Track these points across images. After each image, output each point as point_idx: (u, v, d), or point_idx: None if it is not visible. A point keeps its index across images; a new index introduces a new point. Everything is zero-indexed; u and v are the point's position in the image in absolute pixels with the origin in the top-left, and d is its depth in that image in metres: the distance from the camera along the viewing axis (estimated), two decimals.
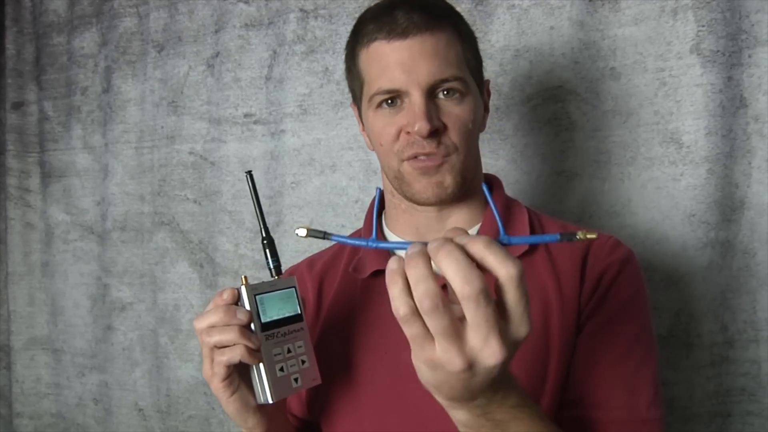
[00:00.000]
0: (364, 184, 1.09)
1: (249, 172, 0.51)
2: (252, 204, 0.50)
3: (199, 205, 1.21)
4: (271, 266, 0.50)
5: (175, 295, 1.24)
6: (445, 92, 0.49)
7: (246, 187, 1.15)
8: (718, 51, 0.70)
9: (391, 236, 0.56)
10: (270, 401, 0.47)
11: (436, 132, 0.50)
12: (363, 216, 0.97)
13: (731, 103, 0.70)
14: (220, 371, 0.46)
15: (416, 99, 0.47)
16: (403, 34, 0.47)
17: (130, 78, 1.26)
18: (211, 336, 0.45)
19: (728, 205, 0.70)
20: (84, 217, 1.35)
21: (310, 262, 0.64)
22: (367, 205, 1.09)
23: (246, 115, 1.16)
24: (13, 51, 1.30)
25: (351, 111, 1.10)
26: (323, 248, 0.66)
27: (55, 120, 1.35)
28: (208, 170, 1.20)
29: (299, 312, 0.49)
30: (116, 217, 1.30)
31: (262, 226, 0.51)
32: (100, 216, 1.32)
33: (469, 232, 0.48)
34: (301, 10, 1.06)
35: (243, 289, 0.48)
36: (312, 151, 1.12)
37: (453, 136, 0.50)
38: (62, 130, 1.35)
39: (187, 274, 1.22)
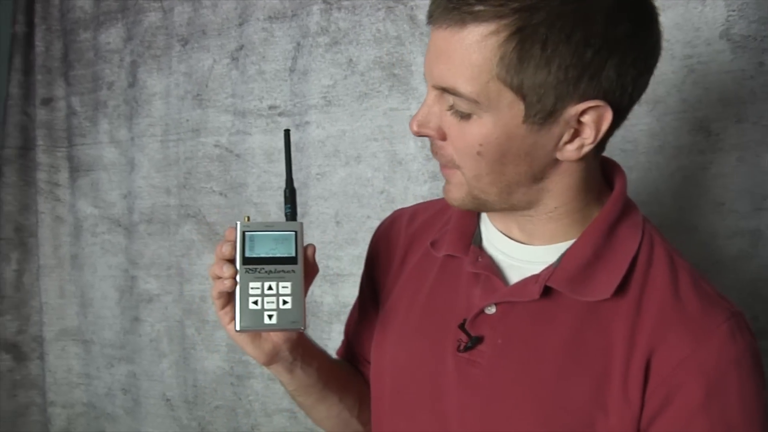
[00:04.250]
0: (390, 175, 1.16)
1: (287, 131, 0.57)
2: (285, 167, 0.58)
3: (224, 198, 1.32)
4: (287, 212, 0.57)
5: (201, 287, 1.36)
6: (451, 105, 0.46)
7: (272, 180, 1.25)
8: (749, 36, 0.71)
9: (485, 221, 0.56)
10: (237, 329, 0.53)
11: (431, 138, 0.49)
12: (389, 208, 1.06)
13: (762, 90, 0.72)
14: (216, 301, 0.55)
15: (428, 93, 0.47)
16: (435, 20, 0.44)
17: (155, 72, 1.36)
18: (209, 268, 0.56)
19: (758, 194, 0.72)
20: (111, 210, 1.46)
21: (414, 213, 0.65)
22: (393, 196, 1.18)
23: (271, 107, 1.25)
24: (42, 48, 1.39)
25: (375, 102, 1.15)
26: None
27: (83, 115, 1.47)
28: (234, 162, 1.30)
29: (293, 255, 0.54)
30: (143, 210, 1.41)
31: (288, 177, 0.57)
32: (127, 209, 1.44)
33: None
34: (325, 1, 1.12)
35: (238, 225, 0.55)
36: (337, 143, 1.20)
37: (451, 151, 0.48)
38: (89, 125, 1.46)
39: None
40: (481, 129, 0.46)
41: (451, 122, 0.47)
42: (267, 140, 1.25)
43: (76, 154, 1.46)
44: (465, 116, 0.46)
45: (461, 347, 0.52)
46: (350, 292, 1.16)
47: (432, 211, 0.64)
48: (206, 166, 1.31)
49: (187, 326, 1.35)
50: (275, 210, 1.27)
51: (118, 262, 1.45)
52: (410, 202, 0.66)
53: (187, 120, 1.34)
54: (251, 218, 0.57)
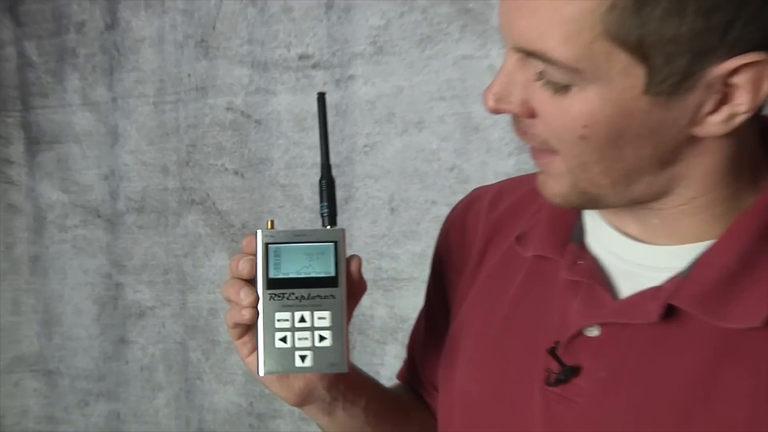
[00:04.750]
0: (462, 146, 1.31)
1: (322, 94, 0.64)
2: (319, 136, 0.63)
3: (241, 178, 1.53)
4: (324, 213, 0.63)
5: (210, 297, 1.58)
6: (540, 73, 0.50)
7: (304, 155, 1.44)
8: None
9: (591, 211, 0.62)
10: (260, 374, 0.61)
11: (516, 114, 0.54)
12: (462, 190, 1.25)
13: None
14: (231, 330, 0.63)
15: (506, 56, 0.52)
16: None
17: (143, 10, 1.54)
18: (222, 287, 0.63)
19: None
20: (87, 195, 1.67)
21: (499, 193, 0.73)
22: (466, 174, 1.35)
23: (301, 57, 1.41)
24: None
25: (442, 48, 1.33)
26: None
27: (42, 67, 1.66)
28: (253, 131, 1.49)
29: (333, 275, 0.60)
30: (131, 196, 1.63)
31: (324, 161, 0.64)
32: (109, 194, 1.65)
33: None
34: None
35: (258, 235, 0.61)
36: (391, 104, 1.35)
37: (545, 131, 0.53)
38: (52, 81, 1.65)
39: (225, 269, 1.60)
40: (584, 105, 0.48)
41: (541, 96, 0.50)
42: (297, 101, 1.42)
43: (35, 121, 1.65)
44: (561, 89, 0.49)
45: (551, 379, 0.57)
46: (410, 303, 1.33)
47: (522, 191, 0.70)
48: (216, 137, 1.50)
49: (191, 349, 1.57)
50: (309, 194, 1.46)
51: (96, 265, 1.67)
52: (490, 181, 0.77)
53: (189, 75, 1.52)
54: (275, 224, 0.63)
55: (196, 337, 1.58)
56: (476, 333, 0.68)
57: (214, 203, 1.55)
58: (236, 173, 1.52)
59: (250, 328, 0.63)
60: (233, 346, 1.30)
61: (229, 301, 0.63)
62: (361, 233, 1.42)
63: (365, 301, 1.60)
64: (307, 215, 1.49)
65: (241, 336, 0.63)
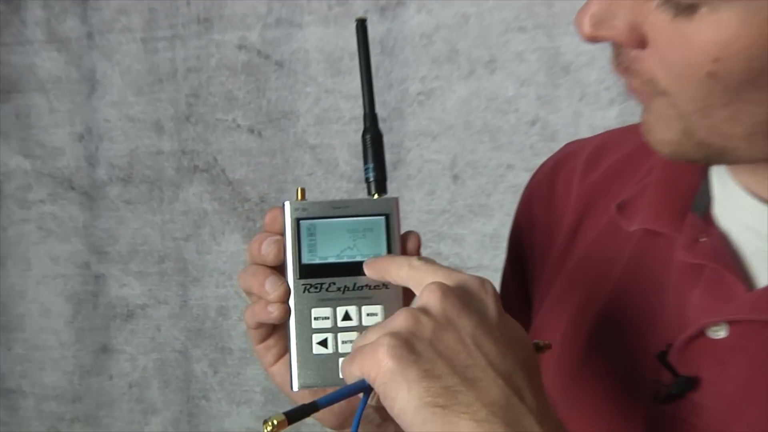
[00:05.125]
0: (548, 91, 1.36)
1: (362, 21, 0.67)
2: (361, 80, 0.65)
3: (258, 137, 1.60)
4: (369, 177, 0.65)
5: (219, 292, 1.65)
6: None
7: (339, 106, 1.51)
8: None
9: (719, 172, 0.64)
10: (293, 388, 0.63)
11: (616, 44, 0.56)
12: (547, 150, 1.18)
13: None
14: (252, 331, 0.66)
15: None
16: None
17: None
18: (240, 277, 0.66)
19: None
20: (56, 161, 1.75)
21: (599, 149, 0.76)
22: (553, 129, 1.38)
23: None
24: None
25: None
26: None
27: None
28: (273, 76, 1.55)
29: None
30: (114, 161, 1.70)
31: (367, 110, 0.66)
32: (86, 159, 1.73)
33: None
34: None
35: (286, 208, 0.64)
36: (453, 38, 1.39)
37: (655, 66, 0.55)
38: (5, 11, 1.72)
39: (239, 255, 1.62)
40: (717, 32, 0.50)
41: (657, 20, 0.53)
42: (329, 37, 1.47)
43: None
44: (685, 9, 0.51)
45: (661, 394, 0.60)
46: None
47: (628, 147, 0.73)
48: (225, 84, 1.56)
49: (195, 359, 1.64)
50: (346, 158, 1.52)
51: (70, 252, 1.74)
52: (584, 137, 0.81)
53: (188, 2, 1.59)
54: (306, 193, 0.65)
55: (202, 344, 1.65)
56: (565, 332, 0.70)
57: (223, 170, 1.63)
58: (252, 131, 1.59)
59: (277, 328, 0.66)
60: (249, 355, 1.36)
61: (250, 294, 0.65)
62: (413, 208, 1.48)
63: None
64: (344, 185, 1.56)
65: (264, 339, 0.66)
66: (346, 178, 1.58)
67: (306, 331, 0.63)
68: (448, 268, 0.59)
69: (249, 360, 1.65)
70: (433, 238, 1.49)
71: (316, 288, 0.64)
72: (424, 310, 0.54)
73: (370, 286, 0.64)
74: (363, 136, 0.67)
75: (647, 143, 0.60)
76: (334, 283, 0.64)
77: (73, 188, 1.77)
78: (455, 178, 1.47)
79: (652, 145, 0.60)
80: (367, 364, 0.54)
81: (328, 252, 0.64)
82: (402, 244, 0.65)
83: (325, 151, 1.56)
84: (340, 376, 0.60)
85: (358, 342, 0.57)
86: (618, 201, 0.70)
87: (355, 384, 0.56)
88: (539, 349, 0.62)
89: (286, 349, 0.67)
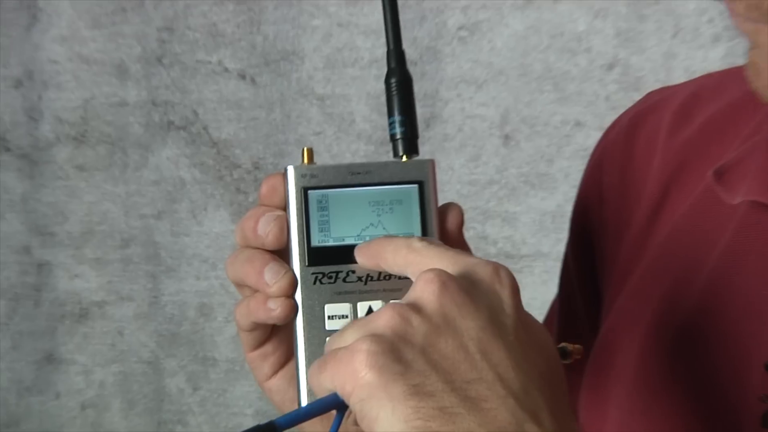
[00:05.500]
0: (632, 25, 1.35)
1: None
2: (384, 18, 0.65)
3: (251, 85, 1.61)
4: (396, 134, 0.66)
5: (200, 285, 1.67)
6: None
7: (355, 42, 1.50)
8: None
9: None
10: (303, 405, 0.64)
11: None
12: (626, 101, 1.26)
13: None
14: (244, 333, 0.68)
15: None
16: None
17: None
18: (228, 264, 0.67)
19: None
20: None
21: (691, 100, 0.77)
22: (635, 74, 1.40)
23: None
24: None
25: None
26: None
27: None
28: (270, 5, 1.56)
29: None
30: (64, 116, 1.71)
31: (392, 46, 0.67)
32: (25, 112, 1.74)
33: None
34: None
35: (290, 175, 0.65)
36: None
37: None
38: None
39: (227, 237, 1.63)
40: None
41: None
42: None
43: None
44: None
45: None
46: (534, 294, 1.34)
47: (729, 96, 0.75)
48: (208, 14, 1.57)
49: (169, 372, 1.65)
50: (364, 111, 1.52)
51: (4, 233, 1.73)
52: (677, 83, 0.81)
53: None
54: (315, 156, 0.66)
55: (177, 352, 1.66)
56: (645, 336, 0.71)
57: (205, 128, 1.63)
58: (242, 77, 1.61)
59: (277, 331, 0.68)
60: (239, 367, 1.38)
61: (241, 287, 0.67)
62: (451, 178, 1.49)
63: None
64: (362, 147, 1.57)
65: (260, 344, 0.68)
66: (364, 138, 1.58)
67: (318, 334, 0.64)
68: (457, 251, 0.58)
69: (238, 373, 1.65)
70: (477, 216, 1.49)
71: (330, 278, 0.65)
72: (416, 307, 0.53)
73: (395, 276, 0.64)
74: (387, 81, 0.67)
75: (754, 91, 0.60)
76: (353, 271, 0.64)
77: (7, 149, 1.78)
78: (506, 139, 1.47)
79: (760, 93, 0.59)
80: (341, 375, 0.53)
81: (345, 231, 0.65)
82: (440, 220, 0.65)
83: (337, 103, 1.56)
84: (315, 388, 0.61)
85: (332, 343, 0.57)
86: (716, 166, 0.70)
87: (326, 399, 0.55)
88: (566, 355, 0.62)
89: (289, 358, 0.68)
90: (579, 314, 0.83)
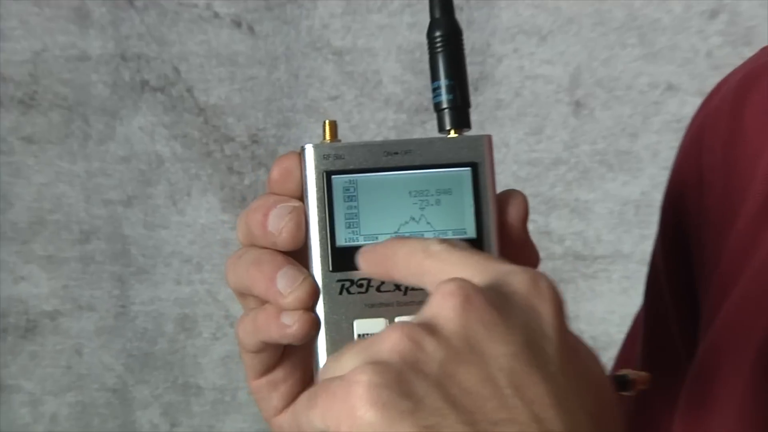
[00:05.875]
0: None
1: None
2: None
3: (249, 35, 1.63)
4: (442, 102, 0.68)
5: (181, 291, 1.69)
6: None
7: None
8: None
9: None
10: None
11: None
12: (734, 58, 1.29)
13: None
14: (248, 356, 0.70)
15: None
16: None
17: None
18: (229, 268, 0.69)
19: None
20: None
21: None
22: (746, 20, 1.39)
23: None
24: None
25: None
26: None
27: None
28: None
29: (473, 236, 0.67)
30: (6, 72, 1.72)
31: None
32: None
33: None
34: None
35: (308, 155, 0.66)
36: None
37: None
38: None
39: (216, 230, 1.66)
40: None
41: None
42: None
43: None
44: None
45: None
46: (612, 305, 1.42)
47: None
48: None
49: (141, 403, 1.65)
50: (397, 70, 1.52)
51: None
52: None
53: None
54: (339, 132, 0.68)
55: (151, 377, 1.67)
56: (759, 356, 0.72)
57: (190, 90, 1.65)
58: (237, 25, 1.62)
59: (288, 354, 0.69)
60: (231, 397, 1.41)
61: (245, 297, 0.68)
62: (506, 156, 1.50)
63: None
64: (390, 115, 1.58)
65: (269, 369, 0.69)
66: (393, 104, 1.58)
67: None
68: (485, 256, 0.59)
69: (229, 404, 1.66)
70: (539, 206, 1.51)
71: (361, 286, 0.66)
72: (431, 327, 0.53)
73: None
74: (429, 35, 0.67)
75: None
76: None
77: None
78: (577, 106, 1.48)
79: None
80: (335, 412, 0.52)
81: (379, 227, 0.66)
82: (499, 212, 0.66)
83: (359, 58, 1.57)
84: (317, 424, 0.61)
85: (326, 370, 0.57)
86: None
87: None
88: (626, 385, 0.63)
89: (304, 387, 0.69)
90: (671, 330, 0.84)
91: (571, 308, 1.38)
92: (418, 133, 1.46)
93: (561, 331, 0.54)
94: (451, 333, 0.51)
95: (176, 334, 1.70)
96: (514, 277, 0.55)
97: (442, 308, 0.52)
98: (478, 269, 0.55)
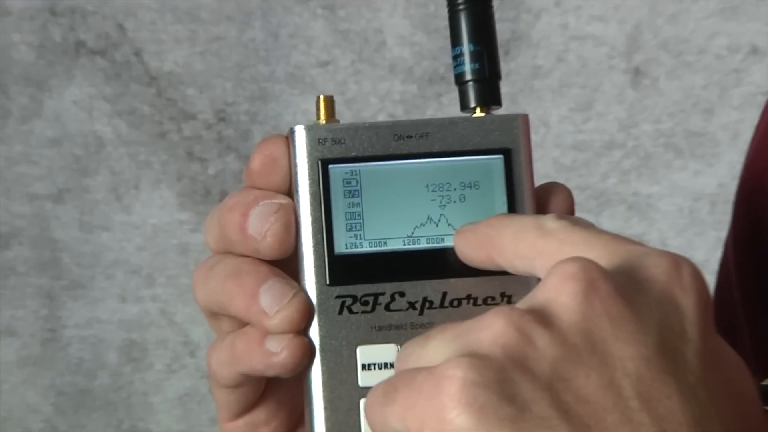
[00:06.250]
0: None
1: None
2: None
3: None
4: (465, 72, 0.70)
5: (129, 311, 1.65)
6: None
7: None
8: None
9: None
10: None
11: None
12: None
13: None
14: (222, 394, 0.72)
15: None
16: None
17: None
18: (198, 282, 0.70)
19: None
20: None
21: None
22: None
23: None
24: None
25: None
26: None
27: None
28: None
29: None
30: None
31: None
32: None
33: None
34: None
35: (298, 138, 0.68)
36: None
37: None
38: None
39: (171, 232, 1.64)
40: None
41: None
42: None
43: None
44: None
45: None
46: None
47: None
48: None
49: None
50: (406, 29, 1.49)
51: None
52: None
53: None
54: (336, 110, 0.69)
55: (88, 420, 1.62)
56: None
57: (138, 54, 1.62)
58: None
59: (275, 387, 0.71)
60: None
61: (217, 318, 0.70)
62: (546, 138, 1.49)
63: None
64: (397, 86, 1.56)
65: (248, 408, 0.71)
66: (400, 71, 1.56)
67: (346, 393, 0.67)
68: (615, 235, 0.58)
69: None
70: (587, 202, 1.49)
71: (366, 304, 0.68)
72: (545, 316, 0.53)
73: (476, 299, 0.67)
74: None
75: None
76: (403, 294, 0.68)
77: None
78: (637, 74, 1.45)
79: None
80: (419, 412, 0.53)
81: (388, 230, 0.69)
82: (538, 211, 0.68)
83: (357, 14, 1.55)
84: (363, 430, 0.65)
85: (407, 357, 0.58)
86: None
87: None
88: None
89: (292, 431, 0.72)
90: (744, 345, 0.86)
91: None
92: (432, 110, 1.45)
93: (705, 333, 0.54)
94: (569, 326, 0.52)
95: (121, 366, 1.64)
96: (651, 260, 0.54)
97: (560, 293, 0.52)
98: (606, 250, 0.55)
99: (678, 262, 0.54)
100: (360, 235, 0.68)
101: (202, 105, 1.65)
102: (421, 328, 0.66)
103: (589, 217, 1.52)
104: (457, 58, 0.69)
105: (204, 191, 1.66)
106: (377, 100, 1.54)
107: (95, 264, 1.68)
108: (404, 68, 1.58)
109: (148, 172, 1.64)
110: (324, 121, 0.68)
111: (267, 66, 1.61)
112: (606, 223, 1.48)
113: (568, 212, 0.67)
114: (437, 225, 0.68)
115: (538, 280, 0.58)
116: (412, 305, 0.68)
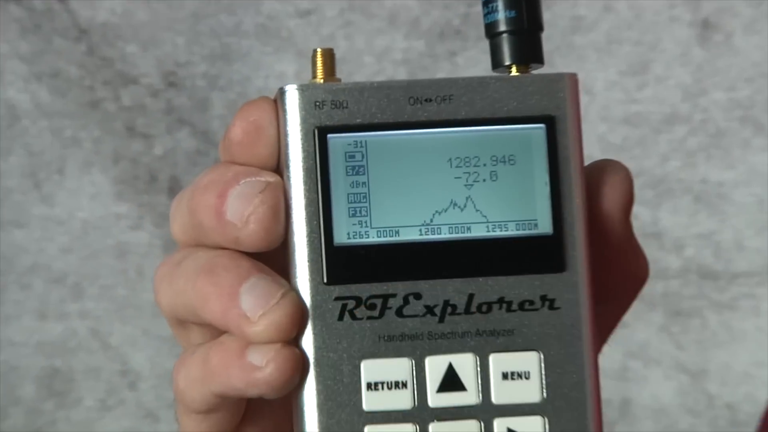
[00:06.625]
0: None
1: None
2: None
3: None
4: (498, 21, 0.71)
5: (51, 330, 1.64)
6: None
7: None
8: None
9: None
10: None
11: None
12: None
13: None
14: (191, 421, 0.76)
15: None
16: None
17: None
18: (162, 281, 0.73)
19: None
20: None
21: None
22: None
23: None
24: None
25: None
26: None
27: None
28: None
29: (548, 231, 0.72)
30: None
31: None
32: None
33: None
34: None
35: (289, 99, 0.69)
36: None
37: None
38: None
39: (106, 229, 1.63)
40: None
41: None
42: None
43: None
44: None
45: None
46: (754, 349, 1.43)
47: None
48: None
49: None
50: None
51: None
52: None
53: None
54: (337, 67, 0.70)
55: None
56: None
57: (64, 0, 1.56)
58: None
59: (257, 411, 0.75)
60: None
61: (186, 326, 0.73)
62: (591, 106, 1.57)
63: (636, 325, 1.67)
64: (399, 41, 1.64)
65: (206, 408, 0.74)
66: (404, 23, 1.62)
67: (347, 418, 0.71)
68: None
69: None
70: (644, 191, 1.58)
71: (373, 308, 0.71)
72: None
73: (510, 303, 0.71)
74: None
75: None
76: (419, 296, 0.71)
77: None
78: (705, 28, 1.46)
79: None
80: None
81: (402, 216, 0.72)
82: (588, 195, 0.72)
83: None
84: None
85: None
86: None
87: None
88: None
89: None
90: None
91: (695, 357, 1.43)
92: (443, 72, 1.46)
93: None
94: None
95: (40, 402, 1.62)
96: None
97: None
98: None
99: None
100: (366, 222, 0.72)
101: (146, 66, 1.65)
102: (442, 338, 0.72)
103: (644, 211, 1.56)
104: (488, 4, 0.71)
105: (148, 177, 1.66)
106: (373, 60, 1.54)
107: (8, 270, 1.68)
108: (410, 19, 1.59)
109: (75, 152, 1.63)
110: (322, 80, 0.69)
111: (231, 16, 1.62)
112: (666, 218, 1.50)
113: (625, 198, 0.72)
114: (462, 210, 0.72)
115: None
116: (430, 310, 0.71)
